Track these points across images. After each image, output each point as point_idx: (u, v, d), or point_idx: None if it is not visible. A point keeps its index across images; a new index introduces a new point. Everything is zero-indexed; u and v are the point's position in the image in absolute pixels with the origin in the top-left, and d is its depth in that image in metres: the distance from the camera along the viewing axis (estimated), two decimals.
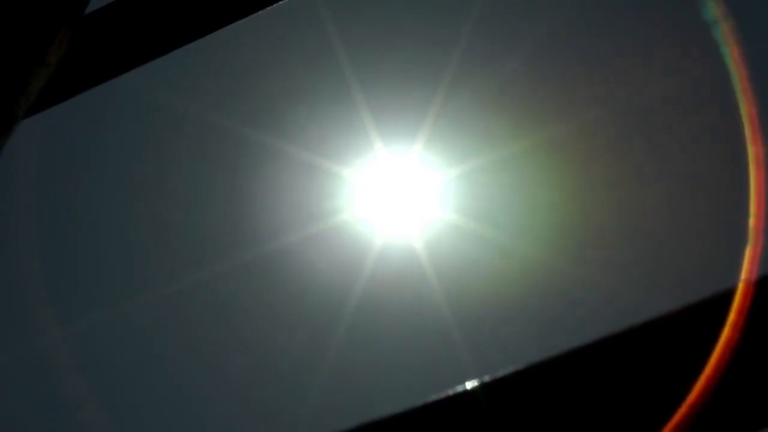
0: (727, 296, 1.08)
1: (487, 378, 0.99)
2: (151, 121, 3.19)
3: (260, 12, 1.35)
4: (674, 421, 0.97)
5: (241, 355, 3.34)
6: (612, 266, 2.86)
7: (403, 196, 3.18)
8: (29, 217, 3.06)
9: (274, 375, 3.26)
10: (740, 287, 1.08)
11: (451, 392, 0.98)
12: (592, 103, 2.94)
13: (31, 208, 3.03)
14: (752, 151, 1.72)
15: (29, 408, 3.27)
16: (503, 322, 3.05)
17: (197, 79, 3.10)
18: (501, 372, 0.99)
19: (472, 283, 3.15)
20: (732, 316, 1.06)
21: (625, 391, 0.97)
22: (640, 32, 2.91)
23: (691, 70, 2.71)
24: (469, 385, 0.98)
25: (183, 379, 3.36)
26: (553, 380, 0.98)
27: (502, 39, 3.04)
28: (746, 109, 1.79)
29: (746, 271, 1.25)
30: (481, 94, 3.04)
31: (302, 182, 3.18)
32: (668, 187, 2.82)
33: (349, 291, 3.14)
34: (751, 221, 1.48)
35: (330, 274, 3.25)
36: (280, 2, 1.24)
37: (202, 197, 3.28)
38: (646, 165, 2.85)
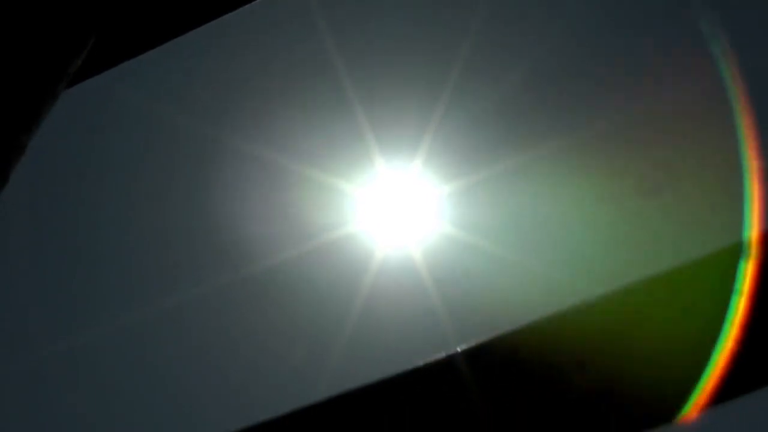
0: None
1: (467, 345, 1.01)
2: (152, 134, 3.20)
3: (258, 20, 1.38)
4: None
5: (241, 369, 3.34)
6: (611, 276, 2.85)
7: (403, 210, 3.18)
8: (18, 225, 3.07)
9: (274, 388, 3.26)
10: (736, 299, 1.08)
11: (433, 359, 1.01)
12: (592, 116, 2.95)
13: (20, 215, 3.03)
14: (751, 164, 1.73)
15: (25, 420, 3.26)
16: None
17: (198, 91, 3.11)
18: (482, 338, 1.01)
19: (472, 296, 3.14)
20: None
21: (621, 349, 0.98)
22: (639, 46, 2.92)
23: (689, 83, 2.72)
24: (452, 351, 1.01)
25: (181, 393, 3.36)
26: (551, 338, 0.99)
27: (501, 54, 3.05)
28: (745, 123, 1.80)
29: (744, 285, 1.24)
30: (481, 108, 3.04)
31: (302, 197, 3.18)
32: (667, 199, 2.83)
33: (349, 305, 3.14)
34: (749, 233, 1.48)
35: (330, 289, 3.25)
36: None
37: (199, 212, 3.29)
38: (645, 178, 2.85)
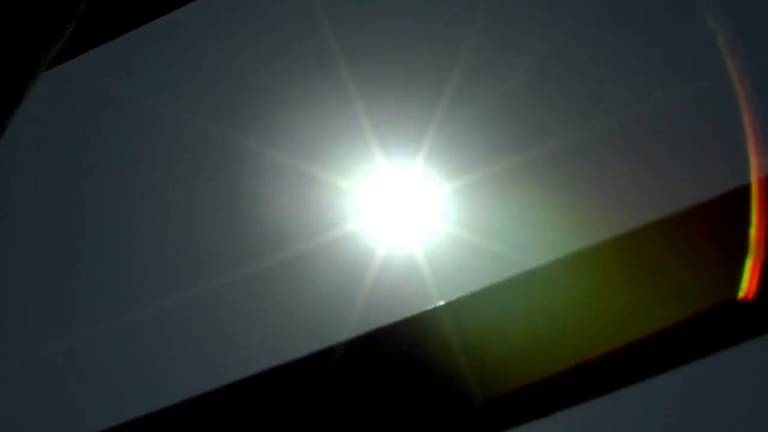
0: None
1: (450, 299, 1.02)
2: (146, 128, 3.19)
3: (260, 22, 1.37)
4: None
5: (241, 368, 3.32)
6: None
7: (405, 208, 3.17)
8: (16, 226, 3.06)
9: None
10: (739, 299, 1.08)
11: (414, 314, 1.03)
12: (595, 115, 2.94)
13: (19, 216, 3.03)
14: (754, 160, 1.71)
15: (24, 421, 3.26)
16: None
17: (196, 86, 3.10)
18: (464, 293, 1.03)
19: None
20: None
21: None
22: (642, 43, 2.91)
23: (692, 80, 2.71)
24: (433, 306, 1.02)
25: (180, 392, 3.34)
26: (539, 288, 1.00)
27: (505, 53, 3.04)
28: (747, 119, 1.78)
29: (747, 283, 1.24)
30: (484, 106, 3.04)
31: (302, 194, 3.18)
32: (670, 197, 2.82)
33: (350, 304, 3.13)
34: (753, 231, 1.47)
35: (330, 287, 3.24)
36: None
37: (198, 210, 3.28)
38: (649, 176, 2.84)
